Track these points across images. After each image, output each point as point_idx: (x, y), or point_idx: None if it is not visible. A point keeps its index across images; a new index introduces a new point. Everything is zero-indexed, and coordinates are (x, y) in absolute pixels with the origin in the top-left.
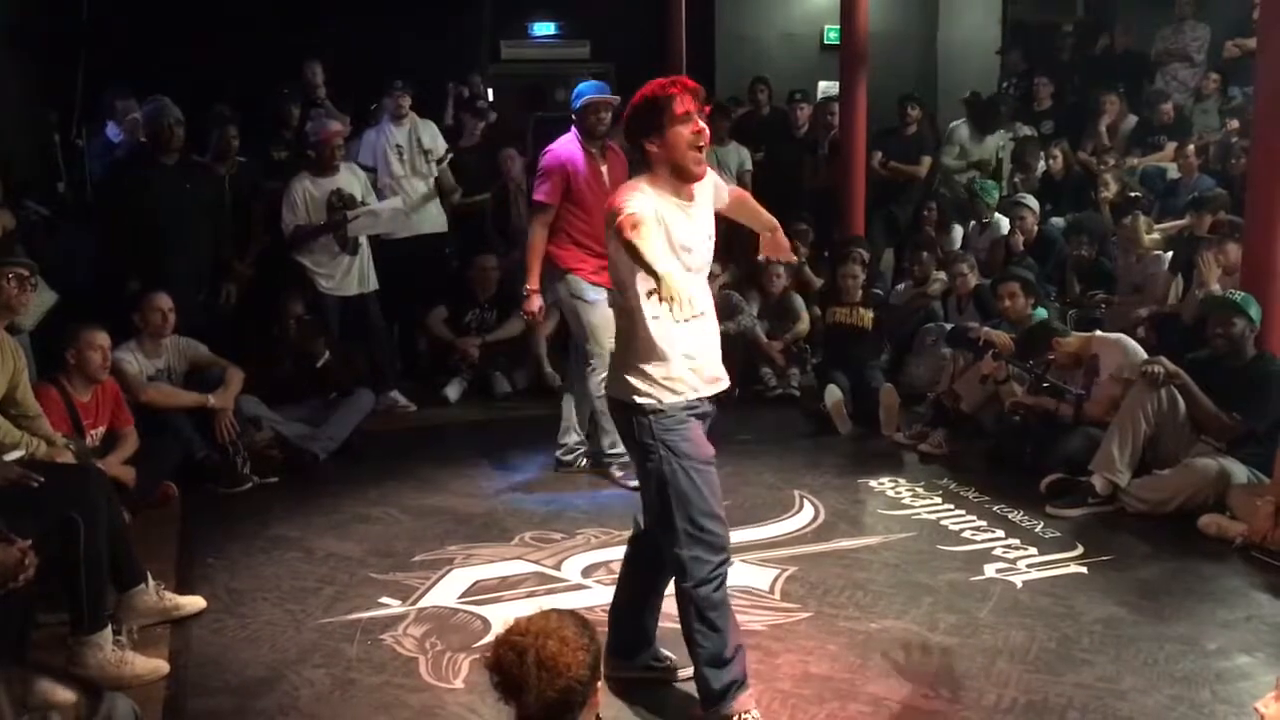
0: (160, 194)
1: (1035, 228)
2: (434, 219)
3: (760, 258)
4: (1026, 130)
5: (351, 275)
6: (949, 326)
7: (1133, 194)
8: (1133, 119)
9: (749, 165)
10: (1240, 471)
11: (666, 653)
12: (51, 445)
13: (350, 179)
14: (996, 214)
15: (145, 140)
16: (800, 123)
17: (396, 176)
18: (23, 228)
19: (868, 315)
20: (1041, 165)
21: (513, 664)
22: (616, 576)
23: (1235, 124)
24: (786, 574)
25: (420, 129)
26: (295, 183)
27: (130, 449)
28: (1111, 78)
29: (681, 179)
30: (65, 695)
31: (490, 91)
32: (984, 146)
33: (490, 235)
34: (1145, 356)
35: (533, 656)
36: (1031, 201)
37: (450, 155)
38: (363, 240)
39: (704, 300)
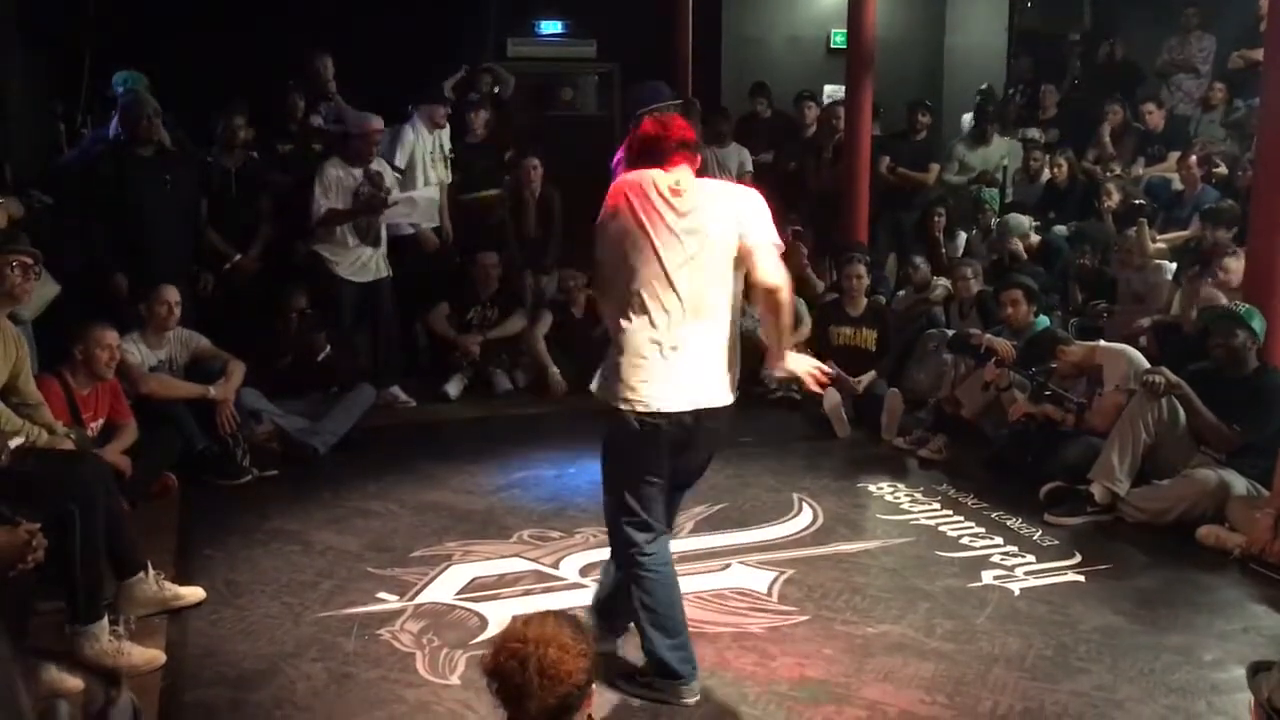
0: (138, 187)
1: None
2: (435, 216)
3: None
4: (1034, 133)
5: (370, 262)
6: (950, 332)
7: (1136, 202)
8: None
9: (749, 166)
10: (1240, 483)
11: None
12: (52, 434)
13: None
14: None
15: (122, 132)
16: (808, 123)
17: (416, 178)
18: (28, 216)
19: (870, 336)
20: (1046, 174)
21: (514, 672)
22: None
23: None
24: (784, 577)
25: (443, 134)
26: (329, 167)
27: (129, 439)
28: (1113, 87)
29: None
30: (73, 683)
31: (497, 88)
32: (983, 156)
33: (510, 246)
34: (1148, 366)
35: (534, 664)
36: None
37: (451, 156)
38: (382, 233)
39: None
